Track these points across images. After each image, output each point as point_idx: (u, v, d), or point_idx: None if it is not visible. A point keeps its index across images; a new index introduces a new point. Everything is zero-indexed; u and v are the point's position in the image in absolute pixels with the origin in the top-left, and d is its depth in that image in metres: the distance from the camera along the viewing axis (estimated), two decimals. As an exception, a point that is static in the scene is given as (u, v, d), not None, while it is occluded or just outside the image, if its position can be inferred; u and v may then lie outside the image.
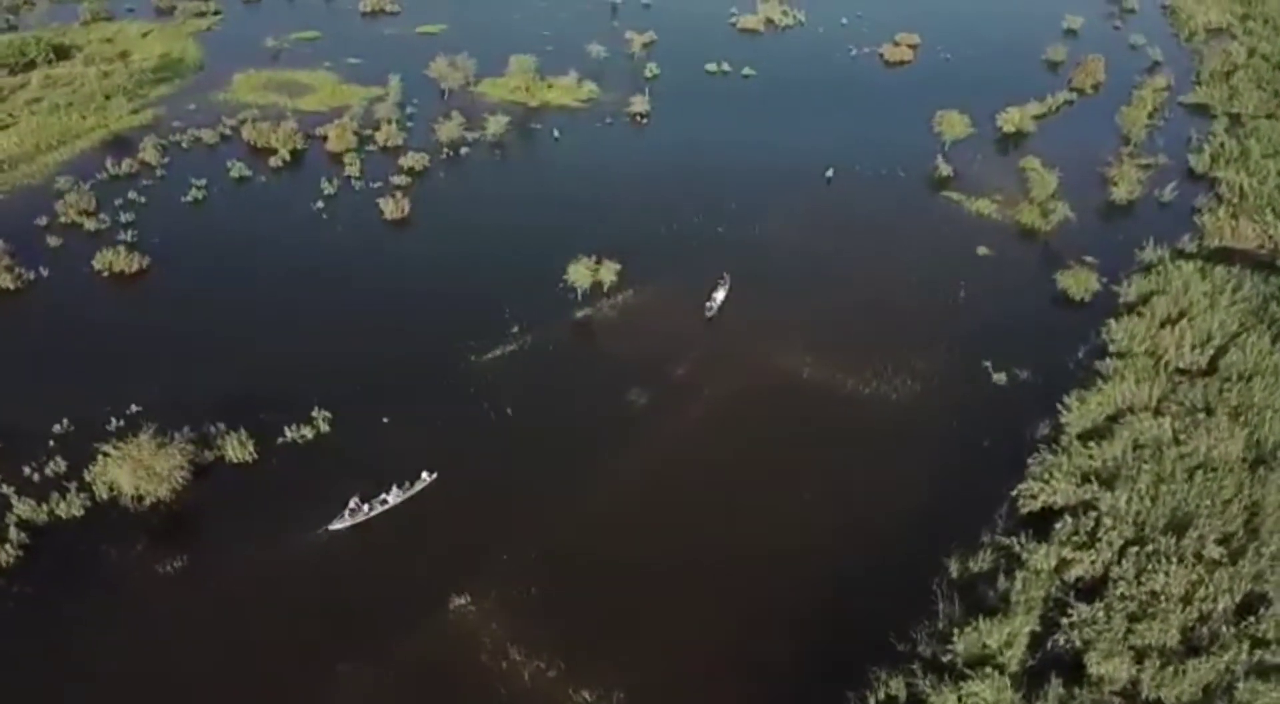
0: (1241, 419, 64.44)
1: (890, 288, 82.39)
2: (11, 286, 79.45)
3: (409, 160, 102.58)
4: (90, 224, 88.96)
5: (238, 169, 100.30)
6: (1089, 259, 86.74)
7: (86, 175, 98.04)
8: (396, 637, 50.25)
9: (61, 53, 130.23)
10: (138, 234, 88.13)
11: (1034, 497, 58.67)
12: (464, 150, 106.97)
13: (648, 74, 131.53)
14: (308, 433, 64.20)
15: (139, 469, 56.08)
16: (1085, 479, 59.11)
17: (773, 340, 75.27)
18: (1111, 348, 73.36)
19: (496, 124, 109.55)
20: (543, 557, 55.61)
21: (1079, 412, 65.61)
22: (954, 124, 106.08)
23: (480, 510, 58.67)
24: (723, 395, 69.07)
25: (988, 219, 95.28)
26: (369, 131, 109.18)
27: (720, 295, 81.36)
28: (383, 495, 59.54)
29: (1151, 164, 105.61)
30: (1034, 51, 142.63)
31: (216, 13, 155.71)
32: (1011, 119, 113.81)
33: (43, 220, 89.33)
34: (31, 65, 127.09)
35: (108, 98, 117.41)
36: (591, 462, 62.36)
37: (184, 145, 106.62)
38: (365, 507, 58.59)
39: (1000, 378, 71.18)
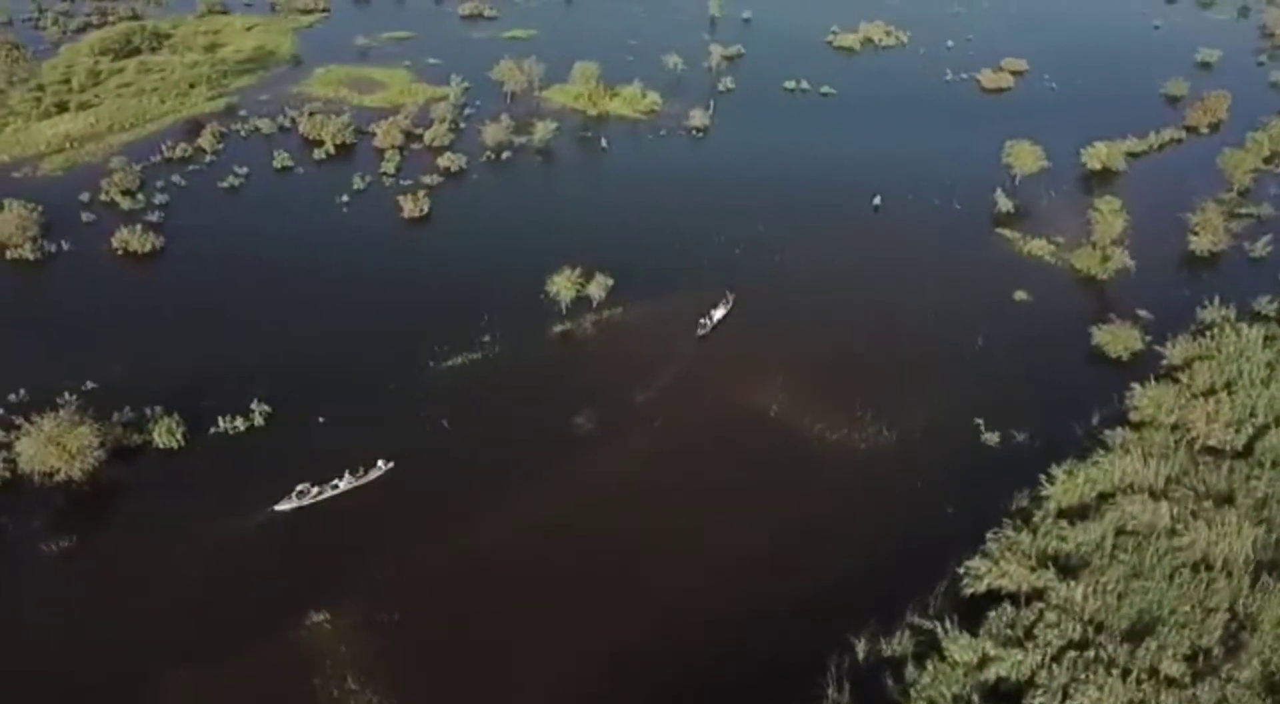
0: (1263, 514, 54.94)
1: (903, 328, 75.45)
2: (30, 257, 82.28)
3: (447, 161, 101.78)
4: (126, 203, 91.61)
5: (281, 159, 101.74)
6: (1142, 314, 77.26)
7: (142, 157, 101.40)
8: (243, 646, 47.91)
9: (164, 41, 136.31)
10: (165, 215, 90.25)
11: (980, 577, 51.34)
12: (506, 154, 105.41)
13: (721, 88, 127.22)
14: (240, 425, 63.10)
15: (49, 446, 55.94)
16: (1043, 564, 51.28)
17: (752, 372, 69.80)
18: (1132, 416, 64.43)
19: (544, 130, 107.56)
20: (424, 581, 52.31)
21: (1065, 485, 57.48)
22: (1024, 156, 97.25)
23: (376, 525, 55.91)
24: (676, 428, 64.18)
25: (1039, 261, 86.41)
26: (420, 130, 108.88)
27: (718, 313, 76.77)
28: (334, 481, 58.37)
29: (1252, 214, 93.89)
30: (1154, 84, 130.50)
31: (325, 10, 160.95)
32: (1098, 155, 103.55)
33: (85, 197, 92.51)
34: (136, 52, 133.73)
35: (191, 86, 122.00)
36: (508, 488, 58.67)
37: (242, 133, 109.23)
38: (314, 489, 57.57)
39: (991, 438, 63.47)
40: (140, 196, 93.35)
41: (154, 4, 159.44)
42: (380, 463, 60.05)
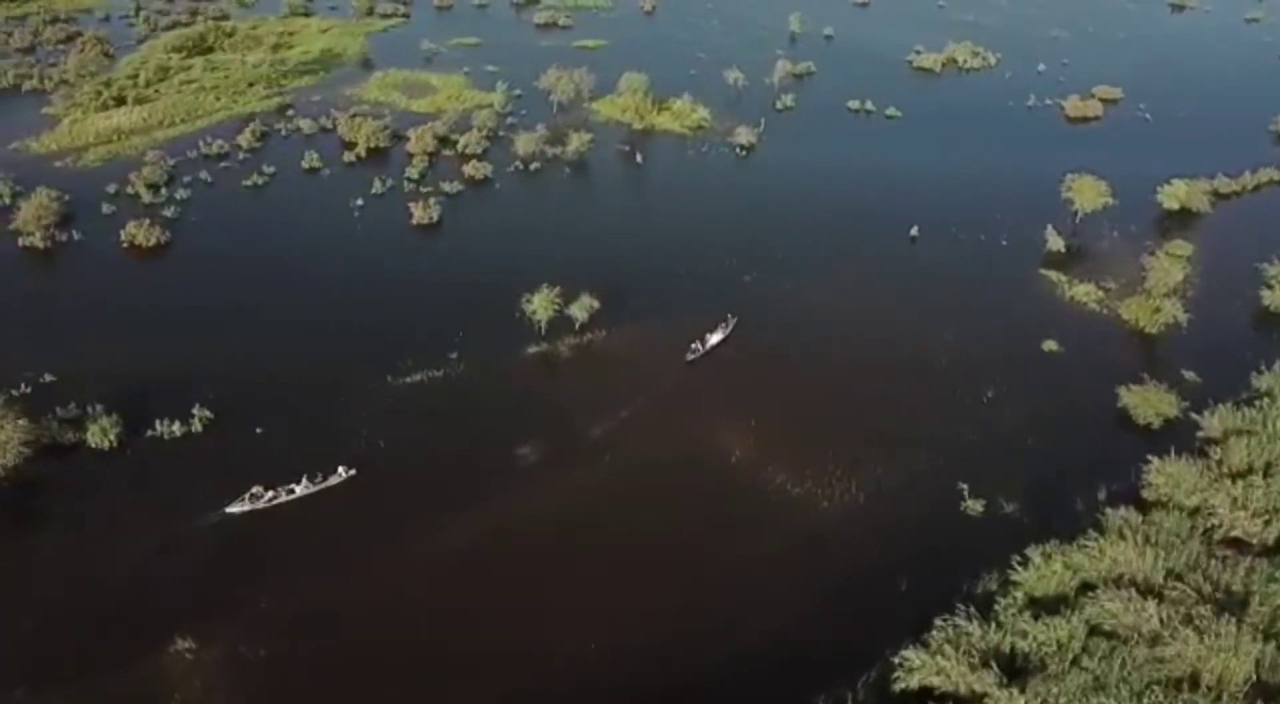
0: (1278, 627, 46.33)
1: (908, 373, 68.48)
2: (40, 245, 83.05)
3: (473, 169, 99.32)
4: (148, 196, 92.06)
5: (310, 160, 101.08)
6: (1188, 375, 68.16)
7: (180, 151, 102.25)
8: (92, 672, 45.20)
9: (238, 41, 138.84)
10: (180, 211, 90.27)
11: (912, 670, 44.57)
12: (535, 165, 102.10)
13: (779, 106, 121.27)
14: (178, 430, 61.19)
15: (-33, 440, 55.01)
16: (990, 663, 44.11)
17: (726, 409, 64.32)
18: (1145, 493, 56.08)
19: (579, 141, 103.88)
20: (305, 616, 48.80)
21: (1041, 571, 49.95)
22: (1086, 191, 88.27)
23: (280, 548, 52.78)
24: (625, 466, 59.17)
25: (1081, 309, 77.73)
26: (456, 137, 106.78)
27: (714, 338, 72.01)
28: (291, 485, 56.51)
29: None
30: (1263, 120, 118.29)
31: (405, 15, 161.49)
32: (1176, 193, 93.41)
33: (112, 189, 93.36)
34: (209, 50, 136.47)
35: (251, 85, 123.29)
36: (426, 518, 54.80)
37: (283, 133, 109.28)
38: (269, 494, 55.69)
39: (974, 507, 56.18)
40: (164, 191, 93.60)
41: (241, 4, 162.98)
42: (341, 469, 57.84)
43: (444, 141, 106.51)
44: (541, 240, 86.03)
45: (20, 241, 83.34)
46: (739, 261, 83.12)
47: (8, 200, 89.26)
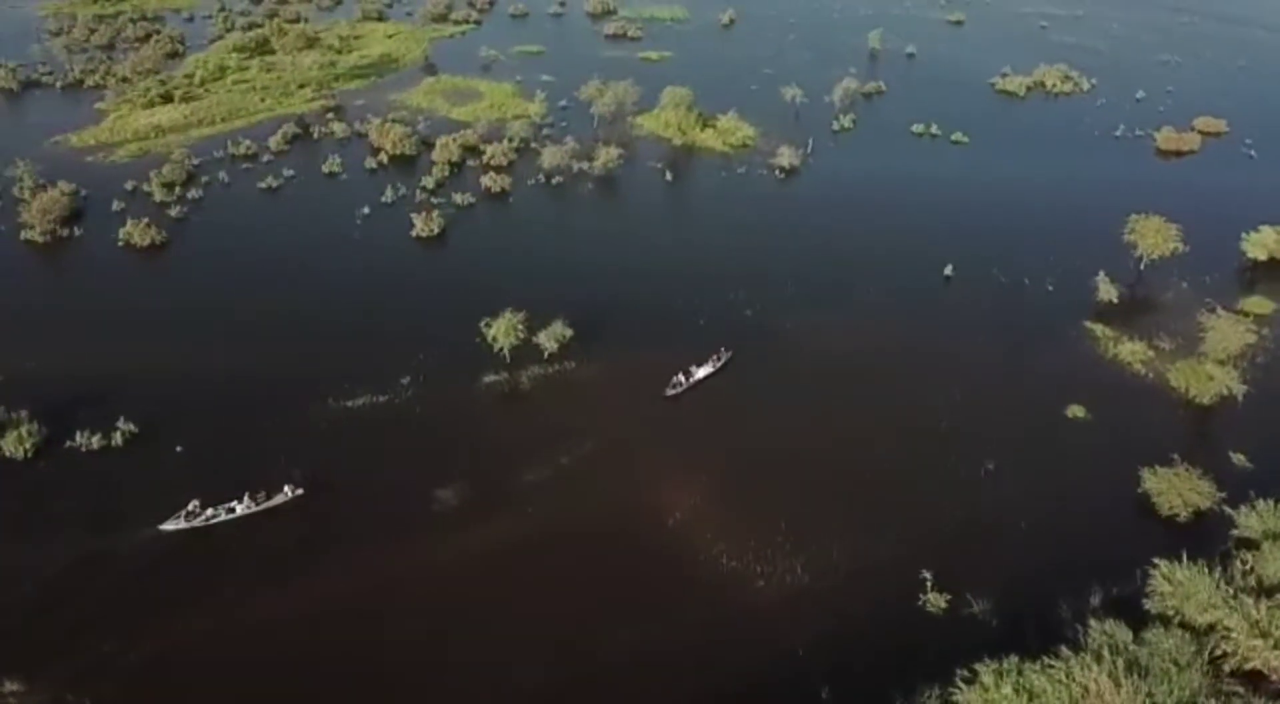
0: (1279, 796, 36.99)
1: (904, 433, 60.48)
2: (38, 239, 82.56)
3: (490, 180, 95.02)
4: (161, 195, 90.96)
5: (331, 165, 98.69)
6: (1236, 459, 57.98)
7: (209, 151, 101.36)
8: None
9: (309, 45, 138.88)
10: (187, 211, 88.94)
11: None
12: (557, 179, 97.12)
13: (836, 126, 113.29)
14: (96, 443, 58.19)
15: None
16: (894, 809, 36.26)
17: (683, 459, 57.95)
18: (1147, 603, 46.81)
19: (607, 156, 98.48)
20: (149, 661, 44.38)
21: (989, 695, 41.49)
22: (1150, 234, 77.80)
23: (145, 584, 48.67)
24: (547, 520, 53.24)
25: (1123, 369, 67.80)
26: (485, 146, 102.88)
27: (701, 372, 66.02)
28: (232, 503, 53.51)
29: None
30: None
31: (476, 22, 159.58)
32: (1264, 242, 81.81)
33: (130, 185, 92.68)
34: (271, 52, 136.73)
35: (301, 87, 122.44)
36: (313, 562, 50.02)
37: (316, 136, 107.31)
38: (209, 511, 52.80)
39: (936, 602, 48.03)
40: (177, 190, 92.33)
41: (315, 7, 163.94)
42: (287, 489, 54.67)
43: (472, 151, 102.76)
44: (535, 261, 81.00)
45: (22, 235, 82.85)
46: (746, 293, 76.23)
47: (27, 193, 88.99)
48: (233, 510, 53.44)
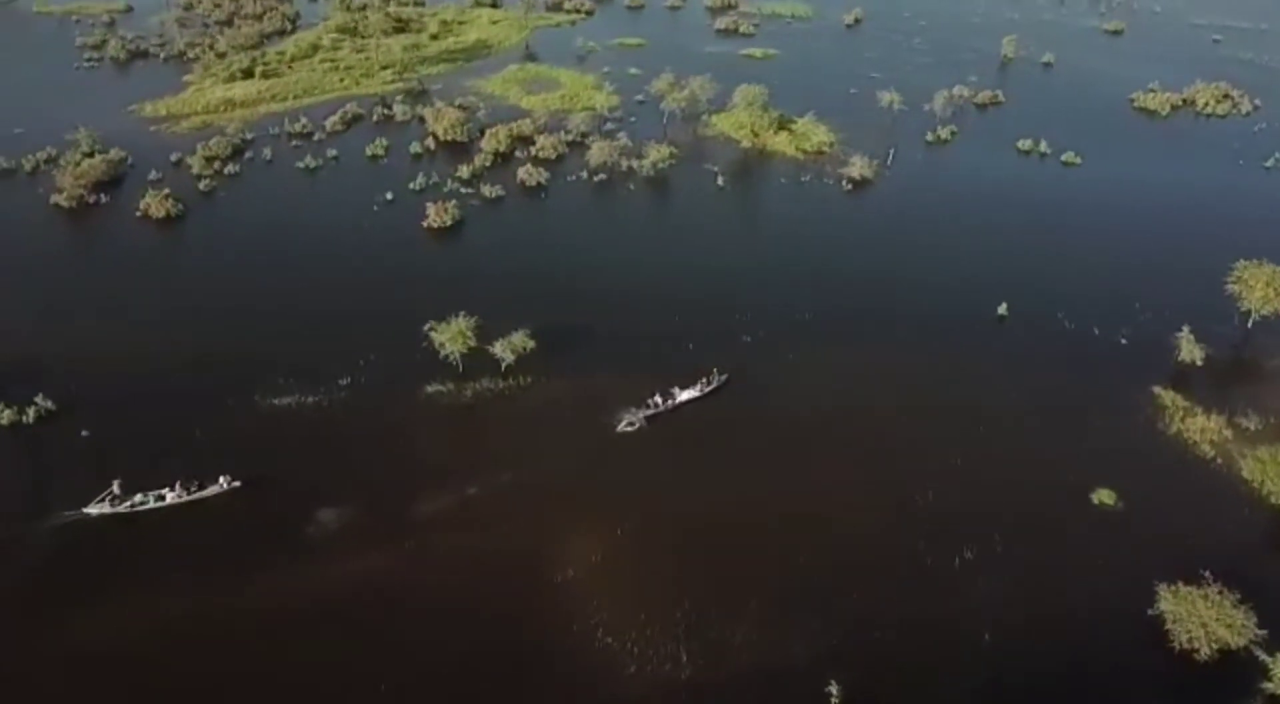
0: None
1: (874, 509, 50.46)
2: (65, 205, 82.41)
3: (526, 173, 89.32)
4: (199, 168, 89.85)
5: (375, 147, 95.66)
6: (1299, 582, 45.04)
7: (268, 127, 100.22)
8: None
9: (400, 28, 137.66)
10: (215, 185, 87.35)
11: None
12: (601, 176, 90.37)
13: (931, 138, 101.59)
14: (7, 419, 55.71)
15: None
16: None
17: (609, 503, 50.02)
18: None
19: (658, 155, 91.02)
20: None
21: None
22: (1261, 287, 63.97)
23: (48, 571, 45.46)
24: (423, 562, 46.66)
25: (1186, 450, 55.11)
26: (537, 137, 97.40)
27: (685, 395, 59.07)
28: (162, 491, 50.74)
29: None
30: None
31: (589, 13, 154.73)
32: None
33: (175, 157, 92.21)
34: (375, 36, 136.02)
35: (384, 68, 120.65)
36: (154, 581, 45.29)
37: (374, 118, 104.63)
38: (137, 496, 50.22)
39: (836, 721, 38.37)
40: (217, 164, 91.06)
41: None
42: (222, 480, 51.48)
43: (526, 141, 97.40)
44: (534, 263, 74.70)
45: (51, 199, 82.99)
46: (754, 316, 67.31)
47: (80, 157, 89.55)
48: (162, 498, 50.62)
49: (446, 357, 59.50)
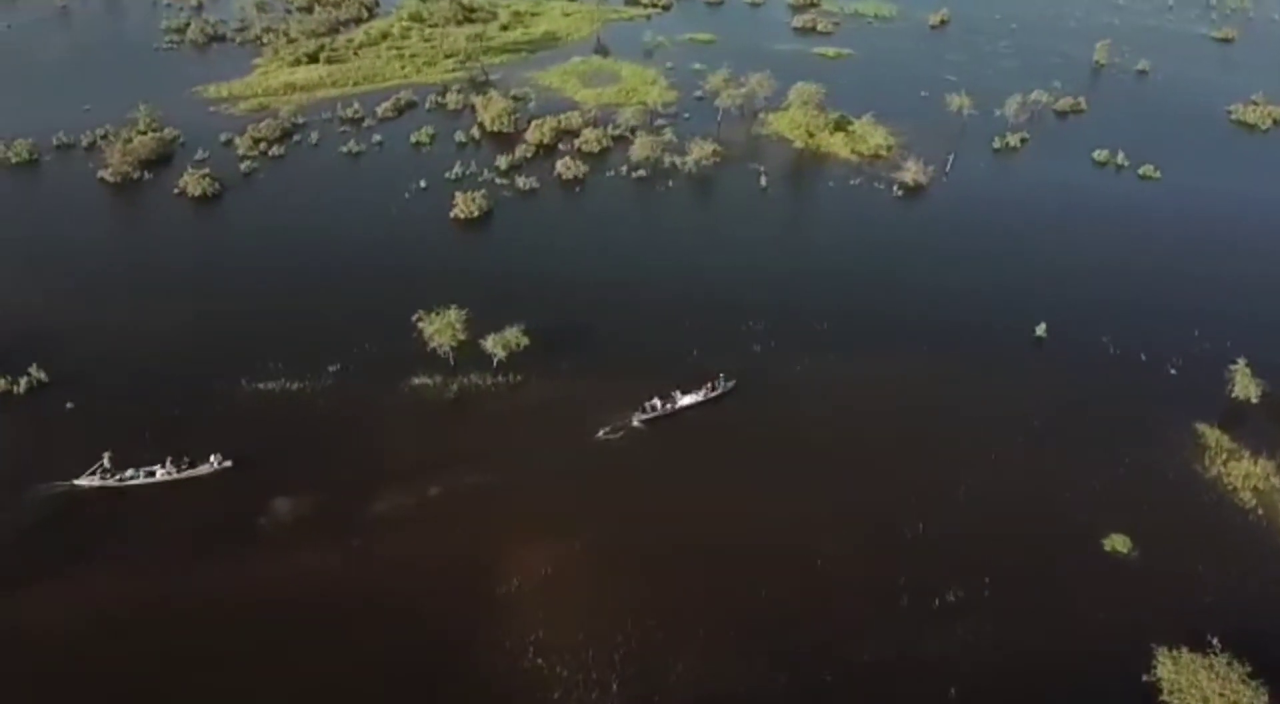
0: None
1: (852, 541, 46.73)
2: (110, 180, 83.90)
3: (564, 166, 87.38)
4: (245, 149, 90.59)
5: (420, 135, 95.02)
6: (1331, 661, 39.48)
7: (321, 112, 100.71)
8: None
9: (469, 18, 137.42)
10: (256, 167, 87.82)
11: None
12: (641, 172, 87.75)
13: (998, 145, 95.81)
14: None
15: None
16: None
17: (554, 523, 47.30)
18: None
19: (700, 152, 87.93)
20: None
21: None
22: (1333, 319, 57.31)
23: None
24: (364, 562, 44.85)
25: (1223, 496, 49.65)
26: (582, 130, 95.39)
27: (688, 399, 56.41)
28: (153, 467, 50.72)
29: None
30: None
31: (666, 7, 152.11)
32: None
33: (225, 137, 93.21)
34: (446, 24, 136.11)
35: (447, 57, 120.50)
36: (80, 567, 44.42)
37: (426, 107, 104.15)
38: (129, 471, 50.29)
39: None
40: (262, 146, 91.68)
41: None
42: (213, 459, 51.17)
43: (573, 134, 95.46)
44: (552, 258, 72.88)
45: (99, 174, 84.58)
46: (768, 324, 63.75)
47: (134, 135, 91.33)
48: (152, 474, 50.49)
49: (434, 350, 57.55)
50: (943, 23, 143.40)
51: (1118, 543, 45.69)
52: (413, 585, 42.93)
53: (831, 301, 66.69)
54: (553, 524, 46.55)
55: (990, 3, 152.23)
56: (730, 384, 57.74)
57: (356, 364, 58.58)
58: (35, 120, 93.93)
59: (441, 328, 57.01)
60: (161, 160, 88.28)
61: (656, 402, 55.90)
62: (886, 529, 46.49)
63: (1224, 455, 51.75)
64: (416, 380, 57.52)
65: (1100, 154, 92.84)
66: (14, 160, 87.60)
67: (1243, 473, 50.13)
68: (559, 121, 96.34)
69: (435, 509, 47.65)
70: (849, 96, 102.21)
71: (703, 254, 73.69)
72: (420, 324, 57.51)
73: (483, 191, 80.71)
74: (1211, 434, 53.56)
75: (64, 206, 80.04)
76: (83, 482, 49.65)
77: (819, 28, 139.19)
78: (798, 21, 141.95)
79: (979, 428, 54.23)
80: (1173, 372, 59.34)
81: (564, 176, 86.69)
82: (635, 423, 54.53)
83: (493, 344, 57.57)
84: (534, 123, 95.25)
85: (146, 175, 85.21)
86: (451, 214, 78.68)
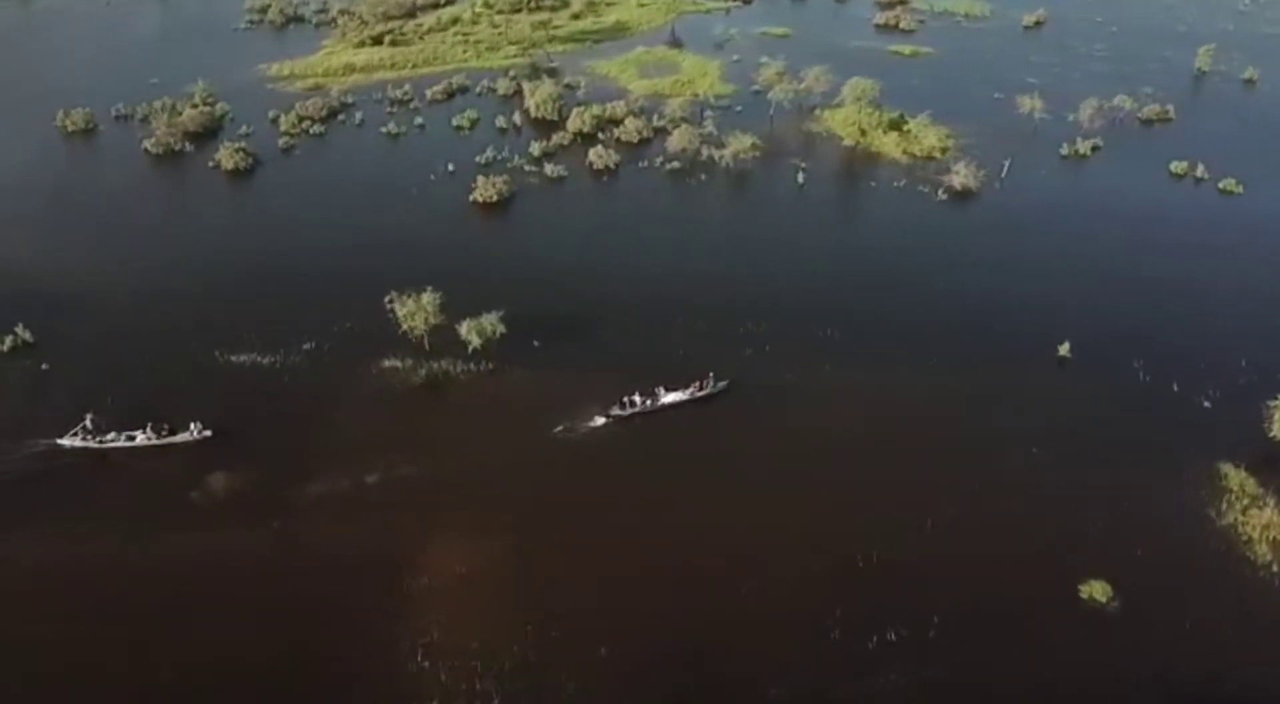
0: None
1: (801, 571, 42.68)
2: (153, 150, 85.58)
3: (595, 155, 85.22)
4: (286, 126, 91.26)
5: (464, 119, 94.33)
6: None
7: (373, 93, 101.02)
8: None
9: (539, 5, 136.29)
10: (295, 144, 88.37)
11: None
12: (674, 164, 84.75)
13: (1066, 152, 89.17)
14: (-6, 346, 57.19)
15: None
16: None
17: (482, 521, 44.72)
18: None
19: (738, 145, 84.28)
20: None
21: None
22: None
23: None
24: (276, 543, 43.46)
25: (1234, 546, 44.16)
26: (625, 120, 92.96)
27: (671, 396, 53.80)
28: (134, 431, 51.18)
29: None
30: None
31: (748, 1, 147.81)
32: None
33: (273, 114, 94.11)
34: (519, 11, 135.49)
35: (511, 43, 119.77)
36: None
37: (477, 92, 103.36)
38: (111, 434, 50.91)
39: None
40: (305, 124, 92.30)
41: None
42: (193, 427, 51.17)
43: (616, 123, 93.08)
44: (561, 248, 70.87)
45: (144, 145, 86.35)
46: (768, 327, 60.29)
47: (187, 108, 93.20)
48: (133, 438, 50.81)
49: (405, 332, 55.93)
50: (1038, 23, 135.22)
51: (1096, 590, 40.62)
52: (321, 573, 41.29)
53: (844, 307, 62.57)
54: (481, 521, 44.25)
55: (1094, 5, 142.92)
56: (723, 385, 54.56)
57: (333, 342, 57.64)
58: (104, 91, 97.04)
59: (414, 310, 55.28)
60: (208, 133, 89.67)
61: (636, 398, 53.16)
62: (838, 555, 42.54)
63: (1245, 501, 45.79)
64: (386, 362, 56.09)
65: (1179, 165, 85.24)
66: (70, 128, 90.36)
67: (1263, 523, 44.18)
68: (603, 110, 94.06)
69: (368, 496, 46.01)
70: (915, 95, 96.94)
71: (717, 251, 70.46)
72: (393, 306, 55.87)
73: (504, 177, 78.99)
74: (1236, 476, 47.50)
75: (102, 174, 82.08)
76: (65, 441, 49.96)
77: (901, 25, 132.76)
78: (880, 18, 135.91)
79: (972, 451, 49.59)
80: (1206, 405, 53.18)
81: (594, 166, 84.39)
82: (599, 421, 51.76)
83: (467, 330, 55.62)
84: (575, 111, 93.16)
85: (189, 147, 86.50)
86: (470, 198, 77.22)
